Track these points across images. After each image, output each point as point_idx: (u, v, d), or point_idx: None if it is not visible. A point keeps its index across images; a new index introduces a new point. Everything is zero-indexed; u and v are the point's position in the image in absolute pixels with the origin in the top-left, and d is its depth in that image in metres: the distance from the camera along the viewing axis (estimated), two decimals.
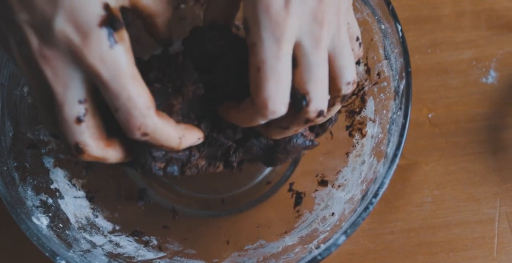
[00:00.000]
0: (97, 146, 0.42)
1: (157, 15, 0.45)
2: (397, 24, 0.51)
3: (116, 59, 0.38)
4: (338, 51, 0.43)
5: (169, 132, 0.43)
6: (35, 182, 0.53)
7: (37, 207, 0.51)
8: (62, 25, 0.37)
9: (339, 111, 0.49)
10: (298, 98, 0.42)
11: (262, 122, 0.43)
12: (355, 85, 0.45)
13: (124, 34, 0.39)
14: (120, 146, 0.45)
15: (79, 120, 0.40)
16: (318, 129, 0.52)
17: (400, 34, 0.51)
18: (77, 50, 0.38)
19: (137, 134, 0.41)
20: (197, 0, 0.64)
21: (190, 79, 0.46)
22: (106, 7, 0.38)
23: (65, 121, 0.40)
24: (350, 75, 0.44)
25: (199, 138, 0.46)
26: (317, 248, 0.49)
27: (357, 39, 0.47)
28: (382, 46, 0.54)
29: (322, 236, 0.51)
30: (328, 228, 0.51)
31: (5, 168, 0.50)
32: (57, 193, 0.54)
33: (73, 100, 0.40)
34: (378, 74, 0.54)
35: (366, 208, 0.48)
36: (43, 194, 0.53)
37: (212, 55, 0.48)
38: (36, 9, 0.37)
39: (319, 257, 0.48)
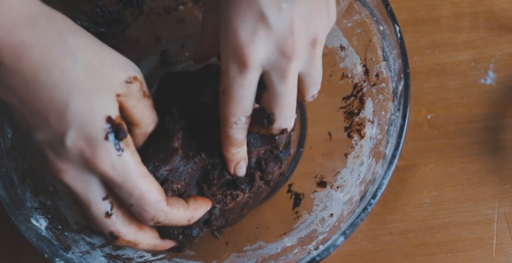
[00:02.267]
0: (129, 231, 0.47)
1: (138, 126, 0.48)
2: (396, 25, 0.52)
3: (125, 165, 0.43)
4: (308, 72, 0.46)
5: (179, 216, 0.47)
6: (34, 183, 0.53)
7: (36, 208, 0.51)
8: (73, 141, 0.41)
9: None
10: (265, 116, 0.47)
11: (234, 133, 0.47)
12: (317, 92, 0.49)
13: (128, 139, 0.43)
14: (150, 230, 0.49)
15: (108, 214, 0.45)
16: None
17: (399, 35, 0.52)
18: (89, 161, 0.42)
19: (150, 223, 0.46)
20: (195, 1, 0.64)
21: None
22: (109, 119, 0.42)
23: (96, 218, 0.45)
24: (316, 89, 0.48)
25: (206, 209, 0.50)
26: (315, 249, 0.49)
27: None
28: (381, 47, 0.54)
29: (320, 237, 0.51)
30: (327, 229, 0.51)
31: (4, 169, 0.50)
32: (56, 195, 0.54)
33: (97, 199, 0.44)
34: (377, 75, 0.54)
35: (365, 209, 0.48)
36: (42, 195, 0.53)
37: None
38: (48, 129, 0.41)
39: (317, 258, 0.48)
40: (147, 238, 0.48)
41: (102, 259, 0.52)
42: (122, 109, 0.45)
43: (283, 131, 0.48)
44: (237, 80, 0.44)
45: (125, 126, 0.43)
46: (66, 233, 0.52)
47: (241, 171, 0.51)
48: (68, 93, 0.40)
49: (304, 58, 0.44)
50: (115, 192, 0.44)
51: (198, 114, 0.53)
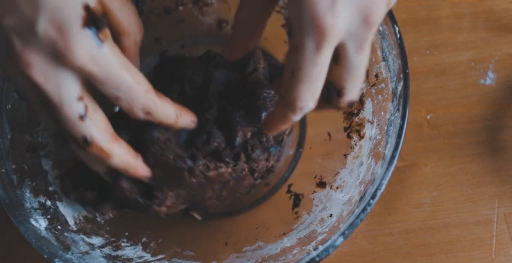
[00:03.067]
0: (103, 139, 0.43)
1: (126, 34, 0.45)
2: (395, 26, 0.52)
3: (107, 56, 0.39)
4: (349, 50, 0.41)
5: (168, 109, 0.44)
6: (34, 184, 0.53)
7: (36, 209, 0.51)
8: (45, 28, 0.37)
9: None
10: (333, 91, 0.42)
11: (296, 118, 0.43)
12: None
13: (107, 31, 0.40)
14: (126, 144, 0.45)
15: (82, 117, 0.41)
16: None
17: (398, 35, 0.52)
18: (63, 53, 0.38)
19: (140, 114, 0.42)
20: (195, 2, 0.64)
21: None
22: (86, 7, 0.38)
23: (68, 120, 0.41)
24: (358, 75, 0.43)
25: (192, 122, 0.48)
26: (315, 249, 0.49)
27: None
28: (380, 48, 0.54)
29: (320, 238, 0.51)
30: (326, 230, 0.51)
31: (3, 170, 0.50)
32: (56, 195, 0.54)
33: (71, 99, 0.40)
34: (376, 75, 0.54)
35: (364, 209, 0.48)
36: (41, 196, 0.53)
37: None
38: (18, 13, 0.37)
39: (317, 259, 0.48)
40: (122, 153, 0.44)
41: (102, 259, 0.52)
42: (106, 14, 0.42)
43: (351, 104, 0.44)
44: (313, 58, 0.39)
45: (103, 19, 0.39)
46: (65, 234, 0.52)
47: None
48: None
49: (381, 19, 0.40)
50: (96, 88, 0.40)
51: (191, 93, 0.53)
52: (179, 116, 0.46)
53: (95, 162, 0.47)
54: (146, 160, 0.48)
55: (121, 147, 0.44)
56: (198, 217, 0.55)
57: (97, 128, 0.42)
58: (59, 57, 0.38)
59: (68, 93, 0.40)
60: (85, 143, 0.42)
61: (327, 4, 0.37)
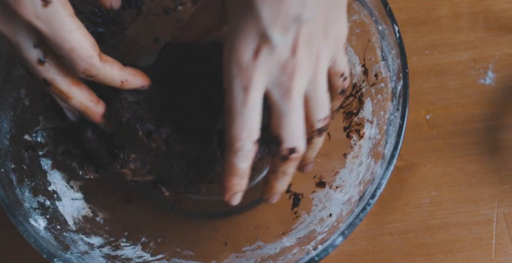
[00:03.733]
0: (63, 81, 0.46)
1: None
2: (395, 25, 0.52)
3: (53, 16, 0.41)
4: (312, 94, 0.45)
5: (112, 75, 0.47)
6: (33, 184, 0.53)
7: (35, 209, 0.51)
8: None
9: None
10: (271, 140, 0.45)
11: (240, 164, 0.45)
12: (328, 119, 0.47)
13: None
14: (88, 90, 0.48)
15: (41, 61, 0.44)
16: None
17: (398, 35, 0.52)
18: (11, 7, 0.40)
19: (82, 75, 0.45)
20: (194, 2, 0.64)
21: None
22: None
23: (28, 64, 0.44)
24: (323, 113, 0.46)
25: (143, 86, 0.50)
26: (314, 249, 0.49)
27: (342, 75, 0.48)
28: (380, 47, 0.54)
29: (319, 237, 0.51)
30: (326, 229, 0.51)
31: (2, 170, 0.50)
32: (55, 195, 0.54)
33: (28, 46, 0.43)
34: (376, 75, 0.54)
35: (364, 209, 0.48)
36: (40, 196, 0.53)
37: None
38: None
39: (316, 258, 0.48)
40: (81, 96, 0.48)
41: (101, 259, 0.52)
42: None
43: (292, 151, 0.46)
44: (240, 99, 0.43)
45: None
46: (65, 234, 0.52)
47: (236, 201, 0.49)
48: None
49: (308, 78, 0.44)
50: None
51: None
52: (125, 81, 0.48)
53: (60, 100, 0.50)
54: (107, 115, 0.50)
55: (81, 91, 0.47)
56: (166, 193, 0.55)
57: (56, 71, 0.45)
58: (9, 10, 0.41)
59: (24, 41, 0.43)
60: (45, 83, 0.45)
61: (249, 56, 0.41)
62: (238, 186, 0.47)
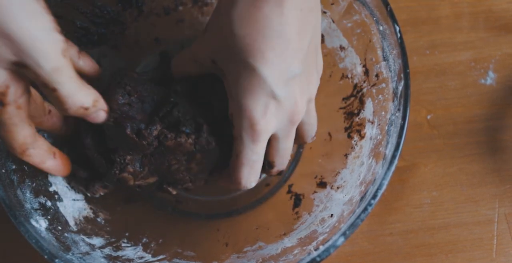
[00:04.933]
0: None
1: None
2: (395, 25, 0.51)
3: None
4: (306, 121, 0.52)
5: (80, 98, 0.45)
6: (34, 184, 0.53)
7: (36, 209, 0.51)
8: None
9: None
10: (266, 163, 0.52)
11: (246, 186, 0.52)
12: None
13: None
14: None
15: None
16: None
17: (398, 35, 0.52)
18: None
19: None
20: (195, 2, 0.64)
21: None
22: None
23: None
24: (313, 132, 0.55)
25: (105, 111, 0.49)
26: (316, 249, 0.49)
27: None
28: (381, 48, 0.54)
29: (321, 238, 0.51)
30: (327, 230, 0.51)
31: (3, 171, 0.50)
32: (56, 196, 0.54)
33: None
34: (377, 75, 0.54)
35: (365, 209, 0.48)
36: (42, 196, 0.53)
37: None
38: None
39: (318, 259, 0.48)
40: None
41: (102, 260, 0.52)
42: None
43: (280, 172, 0.55)
44: (251, 147, 0.48)
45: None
46: (66, 234, 0.52)
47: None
48: None
49: (303, 114, 0.50)
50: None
51: None
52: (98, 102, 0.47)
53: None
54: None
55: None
56: (173, 192, 0.55)
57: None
58: None
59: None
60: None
61: (260, 112, 0.47)
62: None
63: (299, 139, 0.54)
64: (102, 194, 0.55)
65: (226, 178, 0.54)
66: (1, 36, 0.39)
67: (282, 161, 0.52)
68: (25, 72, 0.41)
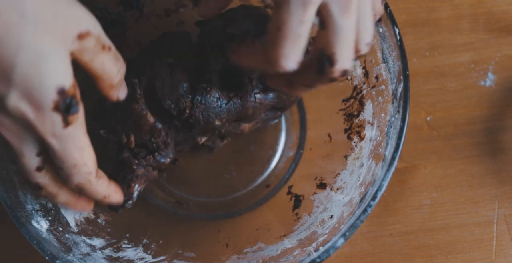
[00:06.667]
0: (55, 186, 0.47)
1: (99, 79, 0.45)
2: (395, 27, 0.52)
3: (68, 136, 0.41)
4: (362, 13, 0.42)
5: (100, 191, 0.48)
6: None
7: (37, 211, 0.51)
8: (15, 102, 0.39)
9: None
10: (323, 58, 0.42)
11: (269, 70, 0.43)
12: (370, 45, 0.45)
13: (76, 115, 0.41)
14: (71, 193, 0.49)
15: (39, 169, 0.44)
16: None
17: (398, 37, 0.52)
18: (31, 124, 0.40)
19: (73, 187, 0.46)
20: (195, 3, 0.64)
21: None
22: (61, 91, 0.39)
23: (26, 169, 0.44)
24: (370, 36, 0.44)
25: (119, 203, 0.51)
26: (315, 250, 0.49)
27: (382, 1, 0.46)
28: (380, 49, 0.54)
29: (321, 239, 0.51)
30: (327, 231, 0.51)
31: (5, 172, 0.50)
32: None
33: (30, 154, 0.43)
34: (376, 77, 0.55)
35: (365, 210, 0.48)
36: (42, 198, 0.53)
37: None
38: None
39: (317, 260, 0.48)
40: (66, 194, 0.48)
41: (103, 261, 0.52)
42: (79, 63, 0.42)
43: (344, 73, 0.42)
44: (298, 15, 0.39)
45: (78, 96, 0.41)
46: (66, 235, 0.52)
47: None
48: (15, 51, 0.37)
49: None
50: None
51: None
52: (107, 197, 0.49)
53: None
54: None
55: (67, 191, 0.48)
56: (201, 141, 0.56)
57: (50, 178, 0.46)
58: (26, 125, 0.40)
59: (29, 149, 0.43)
60: (37, 187, 0.46)
61: None
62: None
63: (323, 45, 0.43)
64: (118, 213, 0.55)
65: (248, 52, 0.46)
66: None
67: (345, 51, 0.42)
68: None
